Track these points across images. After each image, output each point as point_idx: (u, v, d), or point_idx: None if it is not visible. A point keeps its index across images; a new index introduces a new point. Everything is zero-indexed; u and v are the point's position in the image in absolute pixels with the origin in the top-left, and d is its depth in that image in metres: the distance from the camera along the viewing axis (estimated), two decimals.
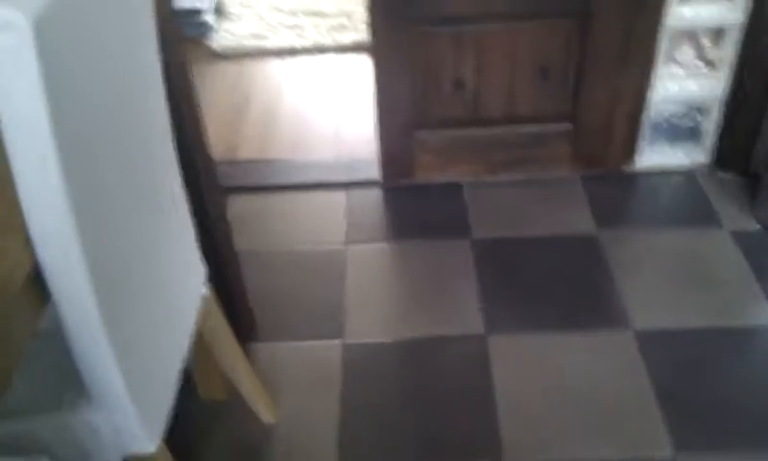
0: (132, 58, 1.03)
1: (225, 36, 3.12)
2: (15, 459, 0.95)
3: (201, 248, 1.61)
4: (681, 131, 2.28)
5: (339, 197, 2.26)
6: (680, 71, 2.20)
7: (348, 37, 3.05)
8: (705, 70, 2.21)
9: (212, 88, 2.84)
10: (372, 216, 2.20)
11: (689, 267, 1.97)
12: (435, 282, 1.96)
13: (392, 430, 1.61)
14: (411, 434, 1.61)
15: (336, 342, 1.80)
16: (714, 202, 2.16)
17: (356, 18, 3.11)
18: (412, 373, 1.74)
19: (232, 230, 2.11)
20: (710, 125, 2.24)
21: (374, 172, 2.32)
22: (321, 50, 3.05)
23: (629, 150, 2.28)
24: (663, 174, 2.27)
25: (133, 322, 1.02)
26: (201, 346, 1.45)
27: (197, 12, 3.15)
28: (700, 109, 2.25)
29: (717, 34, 2.16)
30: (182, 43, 1.44)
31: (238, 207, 2.22)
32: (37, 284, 0.88)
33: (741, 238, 2.04)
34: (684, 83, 2.20)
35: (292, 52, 3.03)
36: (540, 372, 1.72)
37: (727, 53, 2.14)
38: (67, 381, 1.04)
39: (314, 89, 2.81)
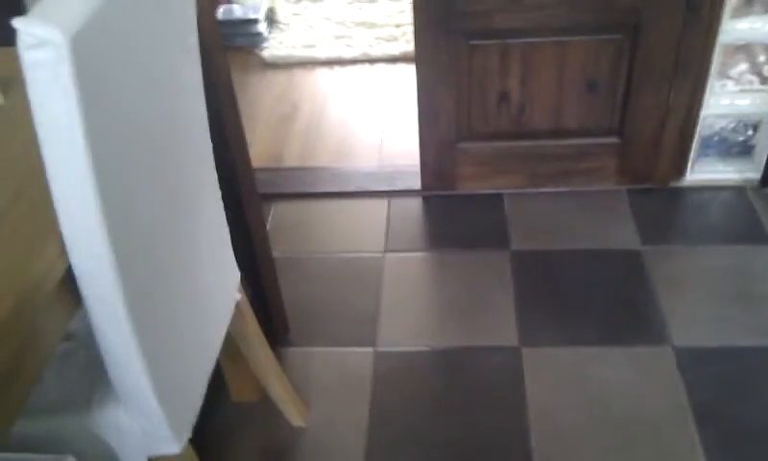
0: (172, 72, 1.07)
1: (275, 45, 3.18)
2: (42, 457, 0.99)
3: (238, 254, 1.66)
4: (732, 146, 2.22)
5: (380, 205, 2.28)
6: (733, 86, 2.14)
7: (396, 48, 3.08)
8: (758, 86, 2.15)
9: (261, 97, 2.91)
10: (412, 225, 2.21)
11: (735, 284, 1.92)
12: (471, 293, 1.96)
13: (420, 440, 1.62)
14: (440, 445, 1.61)
15: (369, 349, 1.82)
16: (764, 218, 2.09)
17: (406, 29, 3.14)
18: (443, 383, 1.74)
19: (273, 235, 2.17)
20: (763, 141, 2.17)
21: (416, 182, 2.33)
22: (369, 60, 3.08)
23: (678, 165, 2.23)
24: (712, 189, 2.21)
25: (163, 326, 1.06)
26: (233, 349, 1.49)
27: (250, 22, 3.24)
28: (752, 124, 2.19)
29: None
30: (225, 54, 1.49)
31: (280, 214, 2.27)
32: (71, 287, 0.92)
33: None
34: (737, 97, 2.14)
35: (340, 62, 3.08)
36: (573, 386, 1.70)
37: None
38: (97, 382, 1.09)
39: (361, 99, 2.85)
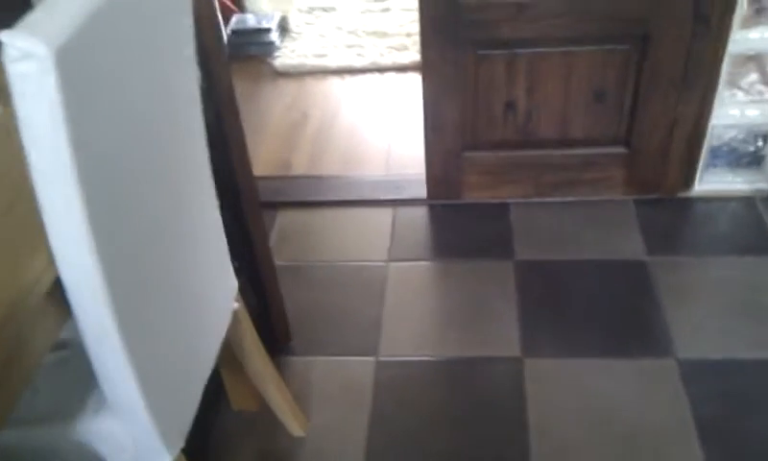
0: (167, 82, 1.08)
1: (287, 54, 3.20)
2: None
3: (240, 262, 1.67)
4: (741, 156, 2.19)
5: (385, 214, 2.28)
6: (742, 96, 2.12)
7: (407, 57, 3.08)
8: None
9: (272, 105, 2.92)
10: (417, 234, 2.21)
11: (743, 296, 1.89)
12: (474, 303, 1.95)
13: (420, 451, 1.61)
14: (440, 455, 1.60)
15: (370, 359, 1.81)
16: None
17: (417, 38, 3.11)
18: (444, 393, 1.74)
19: (278, 243, 2.18)
20: None
21: (422, 190, 2.33)
22: (379, 69, 3.09)
23: (686, 175, 2.20)
24: (721, 200, 2.19)
25: (154, 336, 1.07)
26: (232, 358, 1.49)
27: (263, 32, 3.26)
28: (762, 134, 2.17)
29: None
30: (227, 63, 1.50)
31: (286, 222, 2.28)
32: (61, 296, 0.93)
33: None
34: (747, 108, 2.11)
35: (351, 71, 3.09)
36: (575, 398, 1.68)
37: None
38: (90, 392, 1.10)
39: (370, 108, 2.85)
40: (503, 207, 2.25)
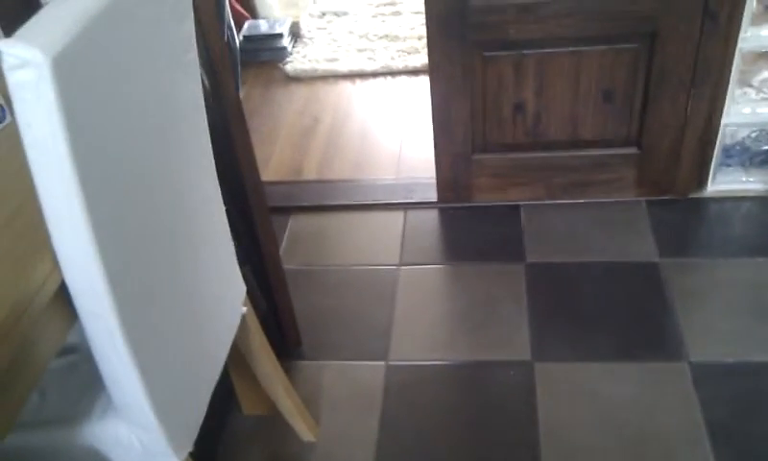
0: (168, 88, 1.09)
1: (299, 59, 3.22)
2: None
3: (249, 266, 1.68)
4: (755, 155, 2.17)
5: (396, 217, 2.28)
6: (755, 94, 2.10)
7: (418, 60, 3.09)
8: None
9: (284, 110, 2.94)
10: (428, 237, 2.20)
11: (756, 298, 1.87)
12: (485, 306, 1.94)
13: (430, 455, 1.61)
14: (449, 459, 1.60)
15: (380, 363, 1.81)
16: None
17: None
18: (454, 397, 1.73)
19: (289, 247, 2.19)
20: None
21: (433, 193, 2.33)
22: (391, 73, 3.10)
23: (698, 175, 2.18)
24: (734, 200, 2.16)
25: (160, 340, 1.07)
26: (242, 362, 1.50)
27: (275, 37, 3.28)
28: None
29: None
30: (229, 72, 1.51)
31: (298, 226, 2.29)
32: (66, 300, 0.94)
33: None
34: (759, 106, 2.09)
35: (362, 75, 3.10)
36: (586, 401, 1.67)
37: None
38: (98, 395, 1.11)
39: (381, 111, 2.86)
40: (514, 210, 2.24)
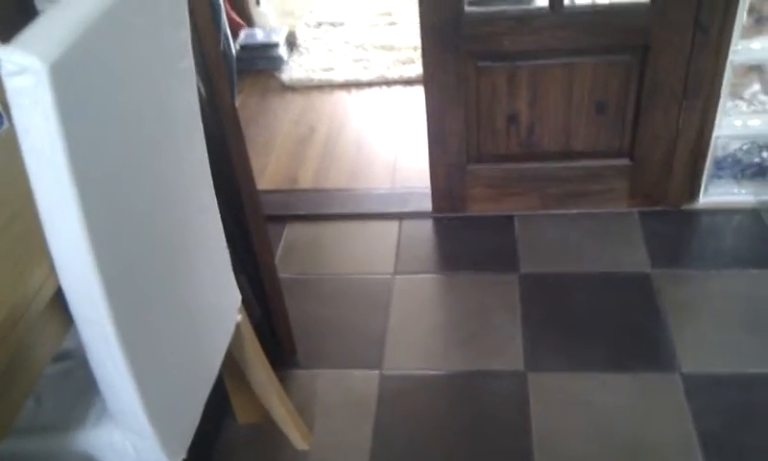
0: (163, 96, 1.10)
1: (295, 68, 3.23)
2: None
3: (244, 275, 1.68)
4: (746, 167, 2.19)
5: (391, 227, 2.29)
6: (746, 107, 2.12)
7: (413, 70, 3.10)
8: None
9: (280, 119, 2.95)
10: (422, 247, 2.21)
11: (748, 310, 1.88)
12: (479, 316, 1.95)
13: None
14: None
15: (374, 372, 1.82)
16: None
17: None
18: (448, 406, 1.74)
19: (285, 256, 2.20)
20: None
21: (428, 203, 2.34)
22: (386, 82, 3.11)
23: (690, 187, 2.20)
24: (726, 212, 2.18)
25: (155, 347, 1.08)
26: (237, 370, 1.50)
27: (271, 46, 3.30)
28: (767, 145, 2.16)
29: None
30: (225, 80, 1.52)
31: (293, 235, 2.29)
32: (62, 306, 0.95)
33: None
34: (750, 118, 2.11)
35: (357, 84, 3.11)
36: (579, 412, 1.68)
37: None
38: (92, 402, 1.11)
39: (376, 121, 2.87)
40: (508, 220, 2.25)
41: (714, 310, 1.89)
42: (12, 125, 1.14)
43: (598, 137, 2.17)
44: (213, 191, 1.31)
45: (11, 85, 0.78)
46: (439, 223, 2.30)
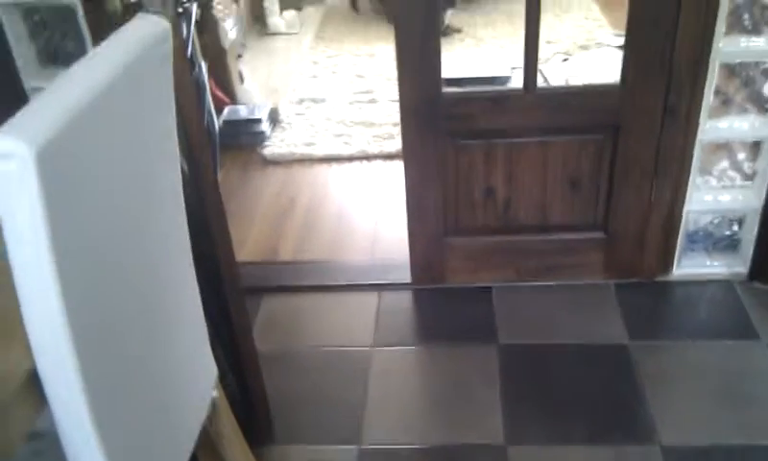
0: (149, 178, 1.12)
1: (277, 143, 3.29)
2: None
3: (221, 349, 1.68)
4: (718, 240, 2.25)
5: (371, 299, 2.31)
6: (715, 182, 2.19)
7: (393, 145, 3.17)
8: (741, 182, 2.19)
9: (261, 193, 2.98)
10: (401, 319, 2.22)
11: (725, 382, 1.90)
12: (458, 389, 1.95)
13: None
14: None
15: (352, 447, 1.80)
16: (753, 314, 2.09)
17: None
18: None
19: (263, 329, 2.20)
20: (748, 235, 2.20)
21: (407, 275, 2.36)
22: (366, 157, 3.17)
23: (664, 259, 2.25)
24: (700, 283, 2.22)
25: (130, 426, 1.07)
26: (210, 447, 1.48)
27: (254, 122, 3.36)
28: (737, 219, 2.22)
29: (754, 146, 2.15)
30: (207, 155, 1.55)
31: (272, 308, 2.30)
32: (36, 386, 0.95)
33: None
34: (720, 194, 2.18)
35: (338, 159, 3.17)
36: None
37: (763, 165, 2.12)
38: None
39: (356, 194, 2.92)
40: (486, 292, 2.28)
41: (691, 382, 1.91)
42: None
43: (573, 212, 2.22)
44: (193, 267, 1.32)
45: None
46: (418, 294, 2.32)
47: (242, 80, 3.68)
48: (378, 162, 3.15)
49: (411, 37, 1.99)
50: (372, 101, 3.59)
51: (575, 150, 2.13)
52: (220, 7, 3.51)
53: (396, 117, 3.31)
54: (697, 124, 2.05)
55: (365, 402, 1.92)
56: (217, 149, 3.05)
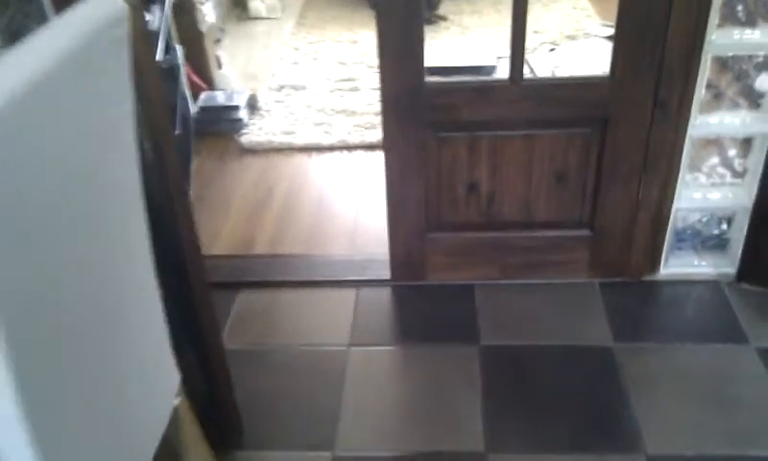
0: (99, 173, 1.03)
1: (254, 131, 3.19)
2: None
3: (188, 349, 1.59)
4: (706, 239, 2.19)
5: (348, 295, 2.22)
6: (705, 179, 2.12)
7: (374, 135, 3.07)
8: (731, 179, 2.13)
9: (237, 183, 2.89)
10: (379, 317, 2.14)
11: (711, 387, 1.84)
12: (437, 392, 1.87)
13: None
14: None
15: (326, 454, 1.72)
16: (740, 316, 2.03)
17: None
18: None
19: (235, 326, 2.11)
20: (737, 234, 2.14)
21: (386, 271, 2.28)
22: (347, 147, 3.08)
23: (651, 258, 2.18)
24: (687, 284, 2.16)
25: (77, 443, 0.98)
26: (171, 457, 1.40)
27: (231, 109, 3.25)
28: (726, 218, 2.16)
29: (744, 143, 2.09)
30: (171, 142, 1.46)
31: (246, 304, 2.21)
32: None
33: None
34: (709, 191, 2.12)
35: (318, 148, 3.07)
36: None
37: (754, 162, 2.05)
38: None
39: (336, 185, 2.83)
40: (468, 289, 2.20)
41: (678, 387, 1.85)
42: None
43: (558, 208, 2.14)
44: (152, 266, 1.23)
45: None
46: (397, 291, 2.24)
47: (220, 65, 3.57)
48: (359, 153, 3.06)
49: (392, 24, 1.90)
50: (354, 89, 3.50)
51: (562, 144, 2.05)
52: None
53: (378, 106, 3.25)
54: (687, 118, 1.97)
55: (340, 406, 1.84)
56: (191, 136, 2.94)
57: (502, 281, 2.22)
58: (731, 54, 2.00)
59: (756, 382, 1.84)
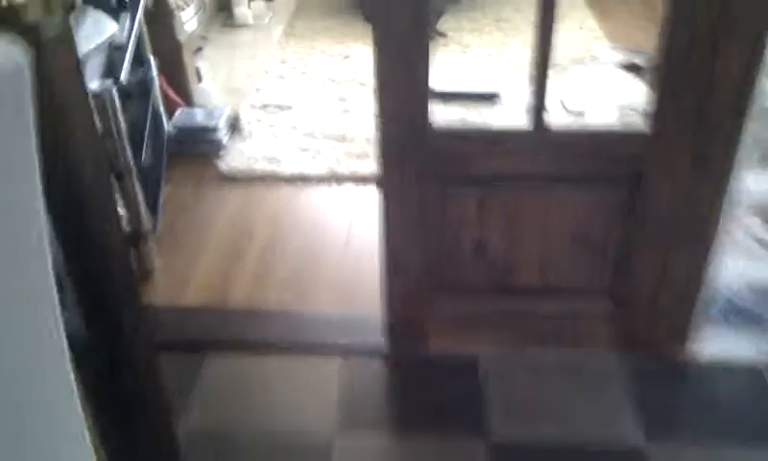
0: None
1: (235, 155, 2.89)
2: None
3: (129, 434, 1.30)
4: (745, 316, 1.92)
5: (334, 365, 1.93)
6: (745, 249, 1.86)
7: (367, 166, 2.79)
8: None
9: (213, 218, 2.58)
10: (371, 397, 1.85)
11: None
12: None
13: None
14: None
15: None
16: None
17: None
18: None
19: (201, 399, 1.82)
20: None
21: (379, 336, 1.98)
22: (336, 179, 2.79)
23: (681, 335, 1.91)
24: (723, 367, 1.89)
25: None
26: None
27: (209, 130, 2.95)
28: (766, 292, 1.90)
29: None
30: (109, 184, 1.17)
31: (214, 371, 1.91)
32: None
33: None
34: (750, 262, 1.85)
35: (304, 179, 2.77)
36: None
37: None
38: None
39: (324, 227, 2.53)
40: (474, 362, 1.92)
41: None
42: None
43: (577, 274, 1.87)
44: (65, 345, 0.92)
45: None
46: (391, 364, 1.94)
47: (199, 78, 3.27)
48: (350, 186, 2.76)
49: (391, 42, 1.58)
50: (346, 111, 3.20)
51: (584, 201, 1.78)
52: None
53: (372, 132, 2.96)
54: (730, 178, 1.71)
55: None
56: (163, 164, 2.64)
57: (512, 355, 1.94)
58: None
59: None
